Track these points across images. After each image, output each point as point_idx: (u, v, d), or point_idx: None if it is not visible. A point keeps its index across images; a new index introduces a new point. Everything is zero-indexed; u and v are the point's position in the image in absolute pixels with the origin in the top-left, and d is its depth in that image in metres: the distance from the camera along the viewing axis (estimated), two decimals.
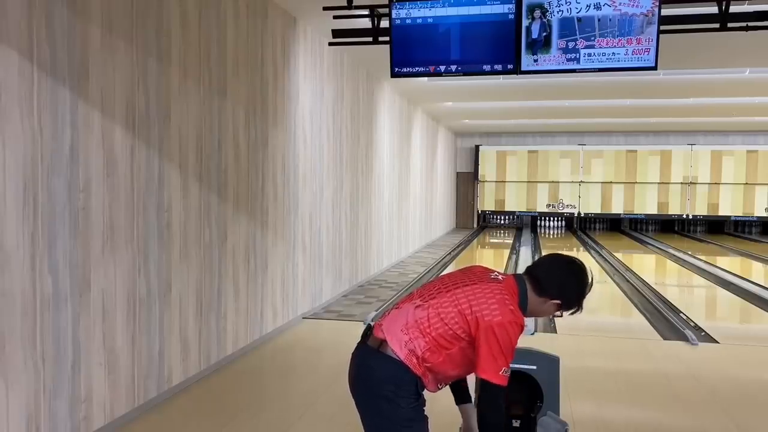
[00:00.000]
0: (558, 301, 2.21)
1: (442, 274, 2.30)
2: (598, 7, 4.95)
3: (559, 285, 2.21)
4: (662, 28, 4.91)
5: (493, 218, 20.57)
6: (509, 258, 12.68)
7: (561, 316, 2.31)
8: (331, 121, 7.71)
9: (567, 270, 2.24)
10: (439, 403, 4.46)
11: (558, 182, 19.36)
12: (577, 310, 2.26)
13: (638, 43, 4.93)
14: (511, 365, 2.45)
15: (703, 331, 6.51)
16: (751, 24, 5.12)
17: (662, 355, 5.75)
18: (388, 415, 2.13)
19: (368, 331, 2.24)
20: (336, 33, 5.91)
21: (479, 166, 19.88)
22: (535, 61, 5.12)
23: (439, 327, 2.13)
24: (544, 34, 5.06)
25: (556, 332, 6.46)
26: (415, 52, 5.34)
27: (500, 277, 2.25)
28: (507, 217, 20.44)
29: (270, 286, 5.96)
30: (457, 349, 2.15)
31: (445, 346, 2.14)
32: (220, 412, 4.19)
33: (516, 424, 2.58)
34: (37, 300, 3.21)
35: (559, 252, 2.27)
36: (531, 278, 2.23)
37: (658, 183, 18.83)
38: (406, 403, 2.13)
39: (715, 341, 6.15)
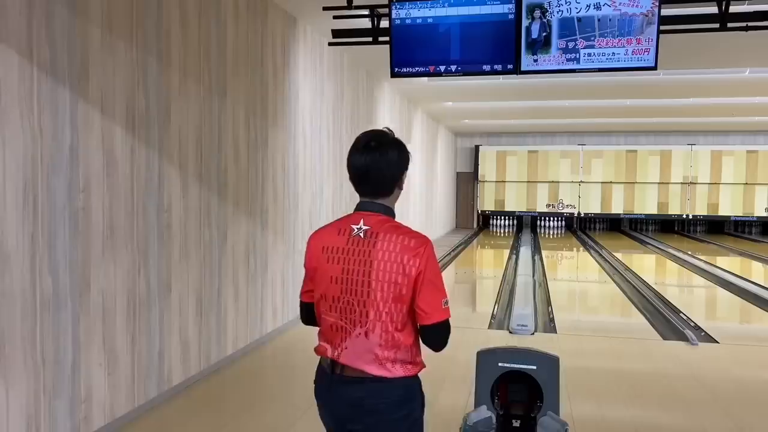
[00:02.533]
0: (400, 183, 2.05)
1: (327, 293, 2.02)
2: (597, 7, 4.95)
3: (391, 177, 2.00)
4: (662, 28, 4.91)
5: (493, 218, 20.57)
6: (509, 258, 12.68)
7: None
8: (331, 121, 7.71)
9: (382, 161, 1.98)
10: (439, 403, 4.47)
11: (558, 182, 19.36)
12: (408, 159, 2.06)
13: (638, 43, 4.93)
14: (511, 365, 2.45)
15: (703, 331, 6.51)
16: (751, 24, 5.12)
17: (662, 355, 5.75)
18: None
19: (333, 365, 1.99)
20: (336, 33, 5.91)
21: (479, 166, 19.89)
22: (535, 61, 5.12)
23: (397, 326, 1.93)
24: (544, 34, 5.06)
25: (556, 332, 6.47)
26: (415, 52, 5.33)
27: (362, 228, 1.97)
28: (507, 217, 20.45)
29: (270, 286, 5.96)
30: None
31: (410, 325, 1.97)
32: (220, 412, 4.19)
33: (516, 424, 2.58)
34: (37, 300, 3.21)
35: (357, 156, 1.98)
36: (374, 195, 2.01)
37: (658, 183, 18.83)
38: (420, 412, 2.05)
39: (715, 341, 6.15)
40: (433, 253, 1.95)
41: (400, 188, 2.07)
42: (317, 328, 2.09)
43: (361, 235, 1.95)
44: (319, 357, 2.07)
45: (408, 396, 1.98)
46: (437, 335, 1.96)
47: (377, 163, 1.97)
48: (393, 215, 2.04)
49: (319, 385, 2.07)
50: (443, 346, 1.99)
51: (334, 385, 1.99)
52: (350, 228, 1.98)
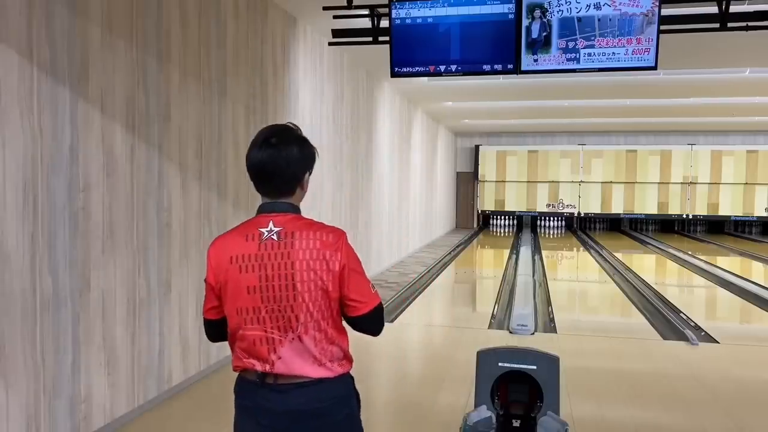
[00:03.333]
0: (303, 180, 1.89)
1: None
2: (598, 6, 4.95)
3: (292, 176, 1.86)
4: (662, 27, 4.91)
5: (493, 218, 20.56)
6: (509, 258, 12.68)
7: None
8: (331, 121, 7.71)
9: (281, 159, 1.82)
10: (439, 403, 4.47)
11: (558, 182, 19.36)
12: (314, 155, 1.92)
13: (638, 43, 4.93)
14: (511, 365, 2.43)
15: (703, 331, 6.51)
16: (751, 24, 5.12)
17: (662, 355, 5.75)
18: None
19: (263, 377, 1.84)
20: (336, 33, 5.91)
21: (479, 166, 19.89)
22: (535, 60, 5.12)
23: (329, 323, 1.84)
24: (544, 33, 5.06)
25: (556, 332, 6.47)
26: (415, 52, 5.33)
27: (273, 230, 1.83)
28: (507, 217, 20.45)
29: None
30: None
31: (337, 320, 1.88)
32: (220, 412, 4.19)
33: (516, 424, 2.58)
34: (37, 300, 3.21)
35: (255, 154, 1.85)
36: (276, 195, 1.87)
37: (658, 183, 18.84)
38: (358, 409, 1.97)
39: (716, 341, 6.15)
40: (349, 243, 1.87)
41: (303, 189, 1.92)
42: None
43: (274, 237, 1.81)
44: (238, 374, 1.92)
45: (348, 393, 1.91)
46: (374, 321, 1.91)
47: (276, 160, 1.82)
48: (299, 212, 1.89)
49: (243, 403, 1.89)
50: (381, 330, 1.94)
51: (268, 397, 1.83)
52: (259, 232, 1.83)
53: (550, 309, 7.55)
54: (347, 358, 1.91)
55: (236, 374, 1.94)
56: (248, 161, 1.87)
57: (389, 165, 10.96)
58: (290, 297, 1.80)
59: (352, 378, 1.94)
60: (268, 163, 1.83)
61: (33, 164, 3.17)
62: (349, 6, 5.39)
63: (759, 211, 18.45)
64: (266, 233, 1.83)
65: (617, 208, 19.19)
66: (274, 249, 1.81)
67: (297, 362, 1.82)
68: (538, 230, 19.42)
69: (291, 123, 1.92)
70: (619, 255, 13.35)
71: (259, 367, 1.83)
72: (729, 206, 18.58)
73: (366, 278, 1.89)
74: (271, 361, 1.82)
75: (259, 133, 1.88)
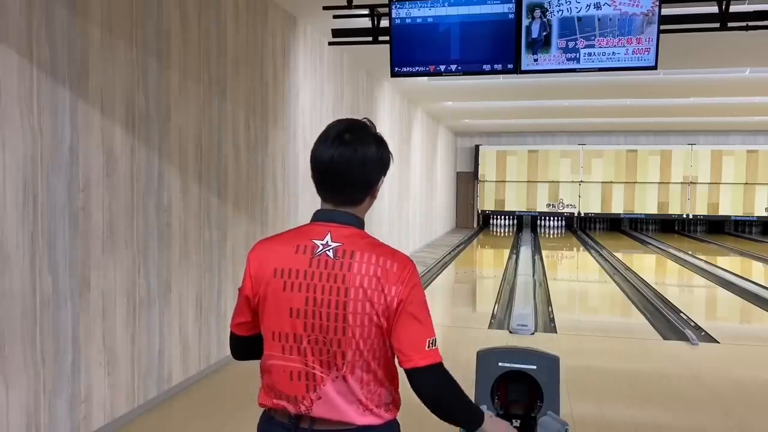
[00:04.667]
0: (376, 187, 1.61)
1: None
2: (598, 6, 4.94)
3: (365, 181, 1.58)
4: (662, 27, 4.91)
5: (493, 218, 20.56)
6: (509, 258, 12.68)
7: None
8: (331, 120, 7.70)
9: (356, 159, 1.54)
10: None
11: (558, 182, 19.36)
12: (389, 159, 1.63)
13: (638, 43, 4.93)
14: (511, 365, 2.39)
15: (704, 331, 6.51)
16: (751, 23, 5.12)
17: (662, 355, 5.75)
18: None
19: (298, 421, 1.57)
20: (336, 32, 5.90)
21: (479, 166, 19.89)
22: (535, 60, 5.12)
23: (379, 363, 1.57)
24: (544, 33, 5.06)
25: (556, 332, 6.46)
26: (415, 52, 5.33)
27: (330, 246, 1.54)
28: (507, 217, 20.45)
29: None
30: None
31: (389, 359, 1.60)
32: (220, 411, 4.19)
33: (516, 424, 2.58)
34: (37, 300, 3.21)
35: (325, 148, 1.56)
36: (340, 203, 1.59)
37: (658, 183, 18.84)
38: None
39: (716, 341, 6.15)
40: (419, 279, 1.56)
41: (374, 197, 1.63)
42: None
43: (330, 253, 1.52)
44: (263, 414, 1.66)
45: None
46: (421, 382, 1.54)
47: (349, 161, 1.53)
48: (363, 227, 1.61)
49: None
50: (437, 397, 1.62)
51: None
52: (312, 244, 1.54)
53: (550, 309, 7.55)
54: (395, 403, 1.63)
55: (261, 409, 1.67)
56: (314, 158, 1.57)
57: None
58: (339, 329, 1.50)
59: (398, 425, 1.66)
60: (340, 162, 1.53)
61: (33, 164, 3.17)
62: (349, 6, 5.39)
63: (759, 211, 18.45)
64: (321, 247, 1.53)
65: (617, 208, 19.19)
66: (327, 268, 1.51)
67: (340, 405, 1.53)
68: (538, 230, 19.42)
69: (367, 119, 1.64)
70: (619, 255, 13.35)
71: (292, 409, 1.56)
72: (729, 206, 18.58)
73: (425, 327, 1.54)
74: (309, 400, 1.54)
75: (330, 126, 1.59)
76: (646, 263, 13.34)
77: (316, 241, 1.54)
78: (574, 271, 12.85)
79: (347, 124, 1.58)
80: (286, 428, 1.58)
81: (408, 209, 12.68)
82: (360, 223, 1.59)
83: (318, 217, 1.60)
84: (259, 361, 1.65)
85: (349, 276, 1.50)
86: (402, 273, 1.52)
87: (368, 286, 1.49)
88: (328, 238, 1.54)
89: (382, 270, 1.50)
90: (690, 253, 13.88)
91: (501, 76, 6.35)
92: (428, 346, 1.54)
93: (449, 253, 13.35)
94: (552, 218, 20.07)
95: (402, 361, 1.54)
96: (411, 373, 1.53)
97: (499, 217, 20.51)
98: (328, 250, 1.53)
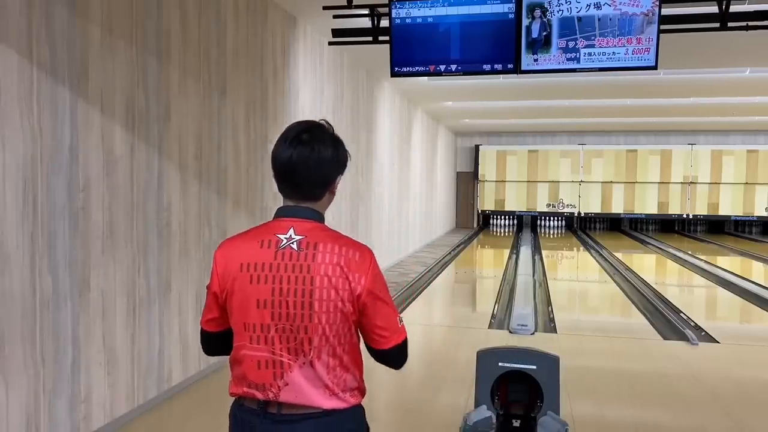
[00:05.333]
0: (334, 184, 1.72)
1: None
2: (598, 6, 4.94)
3: (323, 179, 1.68)
4: (662, 27, 4.91)
5: (493, 218, 20.56)
6: (509, 258, 12.68)
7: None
8: (331, 120, 7.61)
9: (313, 158, 1.63)
10: (439, 403, 4.47)
11: (558, 182, 19.36)
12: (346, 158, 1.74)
13: (638, 43, 4.93)
14: (511, 365, 2.41)
15: (703, 331, 6.51)
16: (751, 23, 5.12)
17: (662, 355, 5.75)
18: None
19: (266, 406, 1.64)
20: (336, 32, 5.90)
21: (479, 166, 19.89)
22: (535, 60, 5.12)
23: (345, 348, 1.65)
24: (544, 33, 5.06)
25: (556, 332, 6.46)
26: (415, 52, 5.33)
27: (293, 238, 1.63)
28: (507, 217, 20.45)
29: None
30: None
31: (354, 345, 1.69)
32: (220, 412, 4.19)
33: (516, 424, 2.58)
34: (37, 300, 3.21)
35: (283, 151, 1.65)
36: (300, 198, 1.68)
37: (658, 183, 18.83)
38: None
39: (716, 341, 6.15)
40: (378, 265, 1.67)
41: (333, 194, 1.73)
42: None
43: (294, 246, 1.60)
44: (233, 403, 1.73)
45: (359, 427, 1.71)
46: (399, 356, 1.70)
47: (307, 160, 1.62)
48: (324, 221, 1.71)
49: None
50: (404, 365, 1.73)
51: (271, 428, 1.63)
52: (276, 238, 1.62)
53: (550, 309, 7.55)
54: (360, 389, 1.70)
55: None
56: (274, 159, 1.66)
57: (389, 165, 10.96)
58: (306, 316, 1.58)
59: (363, 410, 1.72)
60: (298, 162, 1.62)
61: (33, 164, 3.17)
62: (349, 6, 5.39)
63: (759, 211, 18.44)
64: (285, 240, 1.62)
65: (617, 207, 19.19)
66: (292, 260, 1.60)
67: (307, 390, 1.61)
68: (538, 230, 19.42)
69: (324, 120, 1.73)
70: (619, 255, 13.35)
71: (260, 395, 1.63)
72: (729, 206, 18.57)
73: (393, 308, 1.68)
74: (276, 387, 1.61)
75: (289, 128, 1.68)
76: (646, 263, 13.34)
77: (279, 236, 1.63)
78: (574, 271, 12.85)
79: (305, 126, 1.68)
80: (254, 413, 1.65)
81: (408, 209, 12.68)
82: (320, 217, 1.70)
83: (280, 213, 1.69)
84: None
85: (313, 266, 1.59)
86: (364, 262, 1.62)
87: (332, 274, 1.59)
88: (291, 232, 1.63)
89: (345, 259, 1.60)
90: (690, 253, 13.88)
91: (501, 76, 6.36)
92: (399, 323, 1.69)
93: (449, 253, 13.35)
94: (552, 218, 20.07)
95: (382, 340, 1.66)
96: (392, 349, 1.67)
97: (499, 217, 20.50)
98: (292, 243, 1.62)
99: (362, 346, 1.71)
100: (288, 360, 1.61)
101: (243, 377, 1.66)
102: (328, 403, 1.62)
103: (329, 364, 1.62)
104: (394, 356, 1.69)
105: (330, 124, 1.73)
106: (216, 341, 1.78)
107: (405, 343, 1.70)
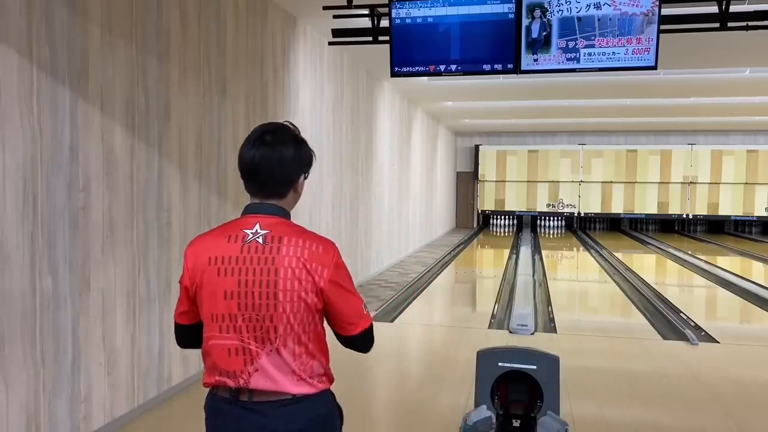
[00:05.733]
0: (297, 183, 1.78)
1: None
2: (598, 6, 4.94)
3: (285, 177, 1.75)
4: (662, 27, 4.91)
5: (493, 218, 20.56)
6: (509, 258, 12.68)
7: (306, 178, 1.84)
8: (331, 120, 7.71)
9: (274, 158, 1.72)
10: (439, 403, 4.47)
11: (558, 182, 19.36)
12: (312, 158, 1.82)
13: (638, 43, 4.93)
14: (511, 365, 2.43)
15: (703, 331, 6.51)
16: (751, 23, 5.12)
17: (662, 355, 5.75)
18: None
19: (238, 394, 1.73)
20: (336, 32, 5.90)
21: (479, 166, 19.89)
22: (535, 60, 5.12)
23: (310, 336, 1.72)
24: (544, 33, 5.06)
25: (556, 332, 6.46)
26: (415, 52, 5.33)
27: (259, 233, 1.71)
28: (507, 217, 20.45)
29: None
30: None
31: (320, 335, 1.76)
32: None
33: (516, 424, 2.58)
34: (37, 300, 3.21)
35: (247, 150, 1.74)
36: (265, 196, 1.77)
37: (658, 183, 18.84)
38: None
39: (715, 341, 6.15)
40: (341, 258, 1.75)
41: (297, 192, 1.79)
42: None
43: (260, 240, 1.68)
44: (207, 394, 1.83)
45: (330, 411, 1.78)
46: (366, 341, 1.79)
47: (269, 160, 1.70)
48: (289, 217, 1.78)
49: (215, 422, 1.80)
50: (371, 349, 1.82)
51: (243, 417, 1.70)
52: (243, 233, 1.70)
53: (550, 309, 7.55)
54: (327, 376, 1.77)
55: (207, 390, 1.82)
56: (240, 158, 1.75)
57: (389, 165, 10.96)
58: (270, 306, 1.66)
59: (333, 394, 1.80)
60: (261, 162, 1.71)
61: (33, 164, 3.17)
62: (349, 6, 5.39)
63: (759, 211, 18.45)
64: (251, 235, 1.70)
65: (617, 207, 19.19)
66: (258, 253, 1.67)
67: (275, 376, 1.68)
68: (538, 230, 19.42)
69: (289, 122, 1.80)
70: (619, 255, 13.35)
71: (231, 383, 1.70)
72: (729, 206, 18.58)
73: (358, 296, 1.77)
74: (246, 373, 1.68)
75: (254, 130, 1.76)
76: (646, 263, 13.33)
77: (246, 231, 1.71)
78: (574, 271, 12.85)
79: (269, 127, 1.76)
80: (227, 402, 1.73)
81: (408, 209, 12.68)
82: (285, 214, 1.77)
83: (247, 210, 1.78)
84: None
85: (278, 258, 1.67)
86: (327, 255, 1.70)
87: (296, 266, 1.67)
88: (257, 227, 1.71)
89: (308, 252, 1.68)
90: (690, 253, 13.88)
91: (501, 76, 6.36)
92: (365, 310, 1.78)
93: (449, 253, 13.35)
94: (552, 218, 20.07)
95: (348, 328, 1.75)
96: (359, 335, 1.76)
97: (499, 217, 20.50)
98: (258, 237, 1.70)
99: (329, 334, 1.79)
100: (255, 348, 1.68)
101: (214, 366, 1.74)
102: (297, 389, 1.69)
103: (295, 352, 1.69)
104: (361, 341, 1.78)
105: (295, 126, 1.79)
106: (188, 333, 1.88)
107: (371, 328, 1.79)
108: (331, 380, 1.79)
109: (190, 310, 1.80)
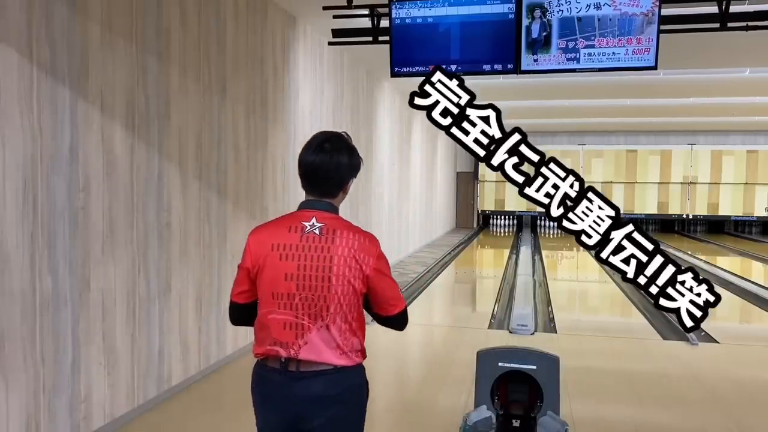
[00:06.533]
0: (347, 185, 2.09)
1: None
2: (598, 6, 4.94)
3: (339, 180, 2.05)
4: (662, 27, 4.91)
5: (493, 218, 20.54)
6: (509, 258, 12.68)
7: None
8: (331, 120, 7.71)
9: (332, 164, 2.01)
10: (439, 403, 4.47)
11: None
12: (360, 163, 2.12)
13: (638, 43, 4.93)
14: (511, 365, 2.46)
15: (703, 331, 6.51)
16: (751, 24, 5.12)
17: (662, 355, 5.75)
18: (361, 425, 2.08)
19: (287, 364, 1.97)
20: (336, 32, 5.91)
21: (479, 166, 19.87)
22: (535, 60, 5.12)
23: (353, 316, 2.00)
24: (544, 33, 5.06)
25: (556, 332, 6.47)
26: (415, 52, 5.33)
27: (315, 225, 1.99)
28: (507, 217, 20.44)
29: None
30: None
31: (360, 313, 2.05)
32: (220, 412, 4.19)
33: (516, 424, 2.58)
34: (37, 300, 3.21)
35: (312, 154, 2.01)
36: (321, 195, 2.04)
37: (658, 183, 18.84)
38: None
39: (715, 341, 6.15)
40: (382, 249, 2.06)
41: (346, 192, 2.11)
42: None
43: (316, 231, 1.97)
44: (256, 363, 2.06)
45: (362, 382, 2.05)
46: (402, 320, 2.10)
47: (326, 165, 2.00)
48: (338, 213, 2.08)
49: (263, 390, 2.04)
50: (405, 327, 2.13)
51: (290, 384, 1.97)
52: (302, 225, 1.98)
53: (550, 309, 7.55)
54: (363, 351, 2.04)
55: (254, 362, 2.08)
56: (300, 162, 2.03)
57: (389, 165, 10.96)
58: (324, 288, 1.94)
59: (364, 369, 2.06)
60: (320, 166, 1.99)
61: (33, 164, 3.17)
62: (349, 6, 5.39)
63: (759, 211, 18.45)
64: (309, 227, 1.98)
65: None
66: (315, 242, 1.96)
67: (322, 349, 1.95)
68: (538, 230, 19.41)
69: (344, 132, 2.10)
70: None
71: (283, 353, 1.96)
72: (729, 206, 18.58)
73: (395, 283, 2.07)
74: (297, 345, 1.95)
75: (314, 137, 2.05)
76: None
77: (304, 223, 1.99)
78: (574, 271, 12.85)
79: (327, 136, 2.05)
80: (277, 372, 1.99)
81: (408, 209, 12.68)
82: (336, 210, 2.07)
83: (304, 205, 2.05)
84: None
85: (332, 248, 1.96)
86: (372, 247, 2.01)
87: (347, 255, 1.96)
88: (313, 220, 1.99)
89: (358, 243, 1.98)
90: (690, 253, 13.88)
91: (501, 76, 6.35)
92: (401, 294, 2.11)
93: (449, 253, 13.34)
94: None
95: (389, 309, 2.06)
96: (397, 315, 2.07)
97: (499, 217, 20.50)
98: (315, 229, 1.98)
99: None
100: (308, 323, 1.95)
101: (268, 337, 1.99)
102: (338, 361, 1.96)
103: (341, 328, 1.96)
104: (398, 320, 2.09)
105: (348, 135, 2.10)
106: (244, 312, 2.11)
107: (406, 308, 2.11)
108: (365, 356, 2.05)
109: (249, 290, 2.05)
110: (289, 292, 1.95)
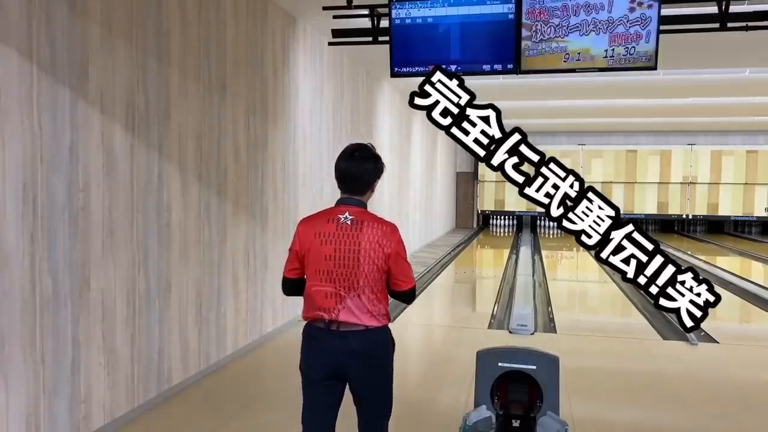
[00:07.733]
0: (373, 185, 2.64)
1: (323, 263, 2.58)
2: (598, 6, 4.93)
3: (367, 181, 2.60)
4: (662, 27, 4.90)
5: (492, 218, 20.54)
6: (509, 258, 12.68)
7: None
8: (331, 120, 7.71)
9: (360, 169, 2.58)
10: (439, 403, 4.47)
11: None
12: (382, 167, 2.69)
13: (638, 43, 4.92)
14: (511, 365, 2.50)
15: (703, 331, 6.51)
16: (751, 24, 5.12)
17: (662, 355, 5.75)
18: (390, 371, 2.63)
19: (330, 324, 2.52)
20: (336, 33, 5.90)
21: (479, 166, 19.87)
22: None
23: (379, 288, 2.55)
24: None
25: (556, 332, 6.47)
26: (414, 52, 5.33)
27: (348, 218, 2.54)
28: (507, 217, 20.43)
29: (270, 286, 5.96)
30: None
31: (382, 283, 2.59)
32: (219, 412, 4.19)
33: (516, 424, 2.58)
34: (37, 300, 3.21)
35: (348, 156, 2.61)
36: (352, 193, 2.59)
37: (658, 183, 18.83)
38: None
39: (715, 341, 6.15)
40: (400, 236, 2.60)
41: (372, 191, 2.65)
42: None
43: (348, 222, 2.53)
44: (306, 324, 2.61)
45: (389, 339, 2.61)
46: (409, 296, 2.65)
47: (356, 170, 2.57)
48: (366, 207, 2.62)
49: (312, 344, 2.58)
50: (412, 302, 2.73)
51: (333, 340, 2.52)
52: (337, 218, 2.54)
53: (549, 309, 7.55)
54: (387, 316, 2.60)
55: (304, 323, 2.65)
56: (336, 168, 2.59)
57: (389, 165, 10.91)
58: (355, 266, 2.49)
59: (390, 329, 2.61)
60: (351, 171, 2.57)
61: (33, 164, 3.17)
62: (349, 6, 5.39)
63: (759, 211, 18.45)
64: (342, 219, 2.53)
65: None
66: (347, 231, 2.52)
67: (356, 313, 2.51)
68: (538, 230, 19.41)
69: (370, 143, 2.68)
70: None
71: (326, 316, 2.51)
72: (729, 206, 18.58)
73: (409, 265, 2.63)
74: (337, 310, 2.50)
75: (347, 147, 2.63)
76: None
77: (339, 216, 2.55)
78: (573, 272, 12.85)
79: (357, 147, 2.63)
80: (322, 331, 2.54)
81: (408, 209, 12.67)
82: (364, 205, 2.62)
83: (339, 202, 2.61)
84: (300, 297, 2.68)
85: (360, 235, 2.52)
86: (393, 235, 2.57)
87: (373, 241, 2.52)
88: (346, 214, 2.55)
89: (381, 232, 2.54)
90: (690, 253, 13.88)
91: (501, 76, 6.35)
92: (413, 274, 2.67)
93: (449, 253, 13.34)
94: None
95: (401, 284, 2.60)
96: (407, 291, 2.62)
97: (499, 217, 20.49)
98: (347, 220, 2.54)
99: None
100: (344, 293, 2.51)
101: (314, 304, 2.55)
102: (369, 322, 2.53)
103: (370, 297, 2.52)
104: (407, 295, 2.64)
105: (373, 145, 2.68)
106: (294, 285, 2.68)
107: (414, 287, 2.66)
108: (389, 319, 2.61)
109: (298, 268, 2.62)
110: (329, 270, 2.50)
